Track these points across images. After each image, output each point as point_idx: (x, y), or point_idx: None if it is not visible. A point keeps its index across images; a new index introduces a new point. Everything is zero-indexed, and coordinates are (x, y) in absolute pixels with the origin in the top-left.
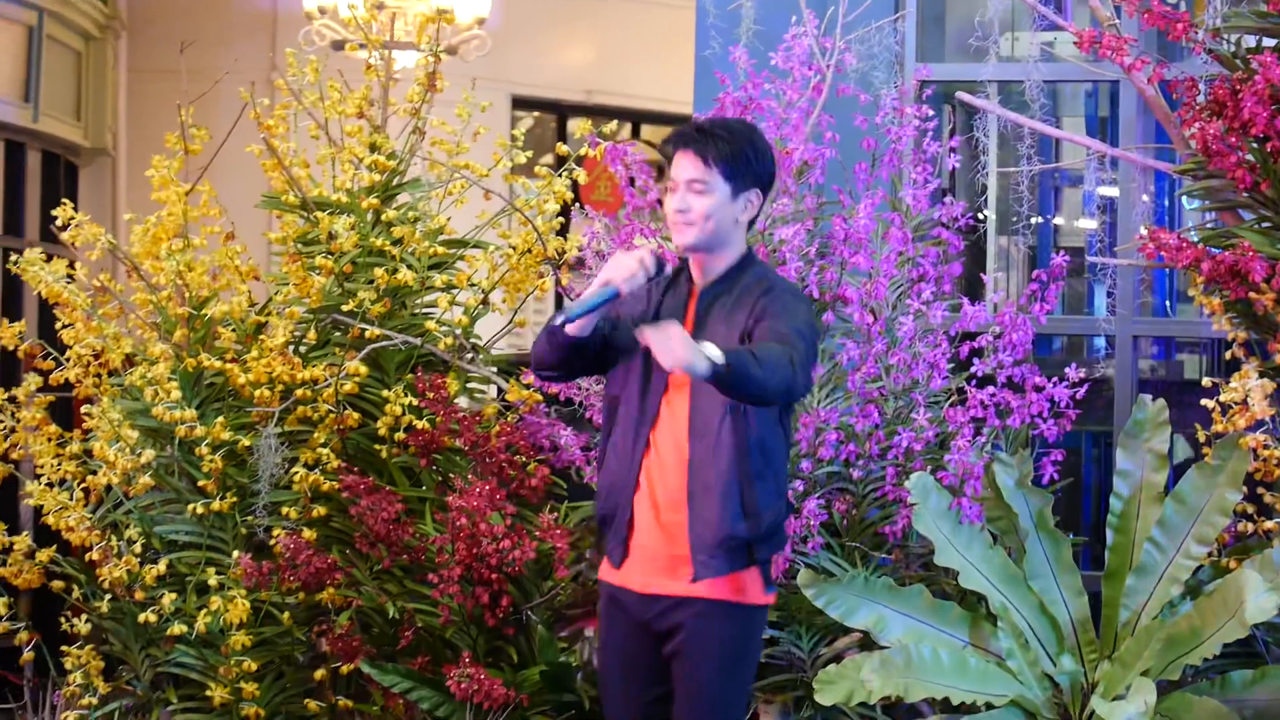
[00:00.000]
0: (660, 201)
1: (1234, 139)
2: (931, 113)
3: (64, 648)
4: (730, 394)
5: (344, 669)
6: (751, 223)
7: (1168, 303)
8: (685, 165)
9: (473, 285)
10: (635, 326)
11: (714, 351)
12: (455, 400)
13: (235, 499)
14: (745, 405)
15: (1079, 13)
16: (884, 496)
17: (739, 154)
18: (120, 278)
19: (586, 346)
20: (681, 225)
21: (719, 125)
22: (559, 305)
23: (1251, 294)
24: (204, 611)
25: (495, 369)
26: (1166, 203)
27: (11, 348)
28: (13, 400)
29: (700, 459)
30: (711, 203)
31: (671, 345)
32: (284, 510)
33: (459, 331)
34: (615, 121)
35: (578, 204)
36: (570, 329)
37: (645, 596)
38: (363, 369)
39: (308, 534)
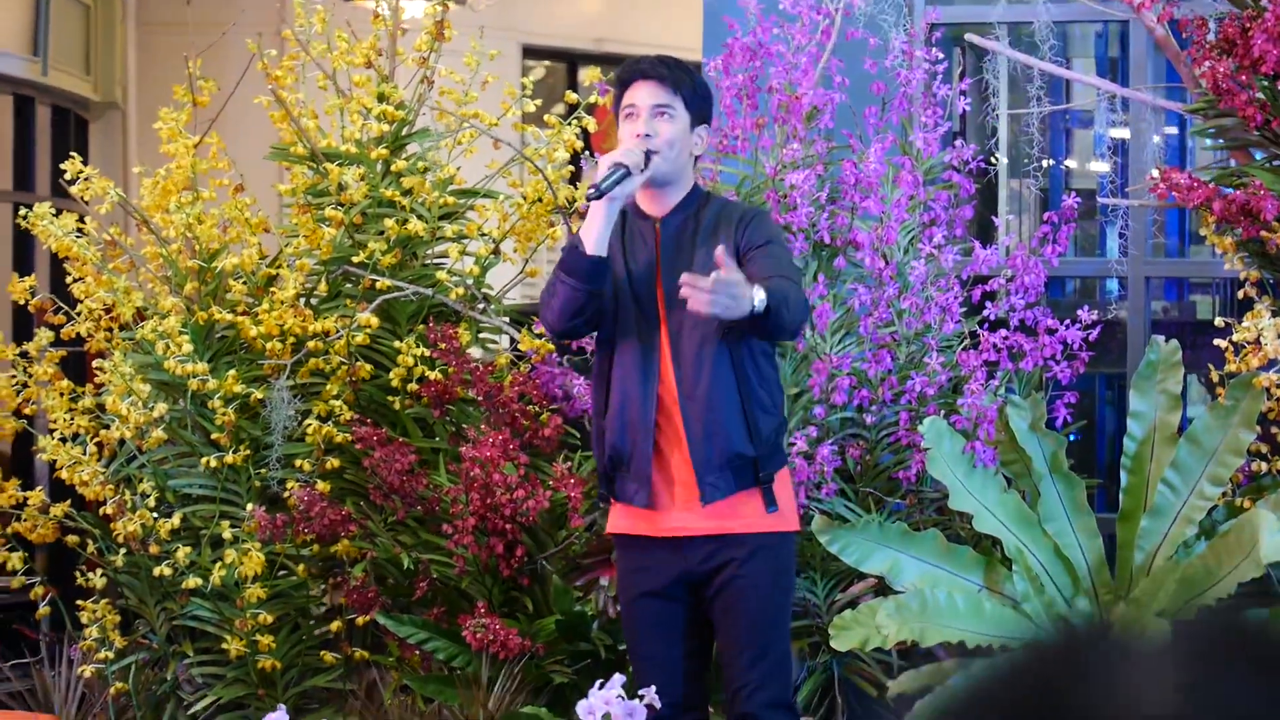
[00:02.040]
0: None
1: (1244, 77)
2: (941, 56)
3: (80, 602)
4: (756, 332)
5: (359, 621)
6: (696, 160)
7: (1184, 243)
8: (650, 91)
9: (483, 235)
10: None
11: (759, 295)
12: (467, 351)
13: (248, 452)
14: (739, 330)
15: None
16: (897, 441)
17: (697, 85)
18: (131, 231)
19: (604, 278)
20: (638, 148)
21: (671, 60)
22: None
23: (1264, 233)
24: (219, 565)
25: (507, 319)
26: (1180, 142)
27: (23, 302)
28: (25, 355)
29: (693, 383)
30: (675, 129)
31: (737, 293)
32: (297, 463)
33: (470, 281)
34: None
35: (588, 152)
36: (589, 239)
37: (676, 540)
38: (374, 320)
39: (321, 486)
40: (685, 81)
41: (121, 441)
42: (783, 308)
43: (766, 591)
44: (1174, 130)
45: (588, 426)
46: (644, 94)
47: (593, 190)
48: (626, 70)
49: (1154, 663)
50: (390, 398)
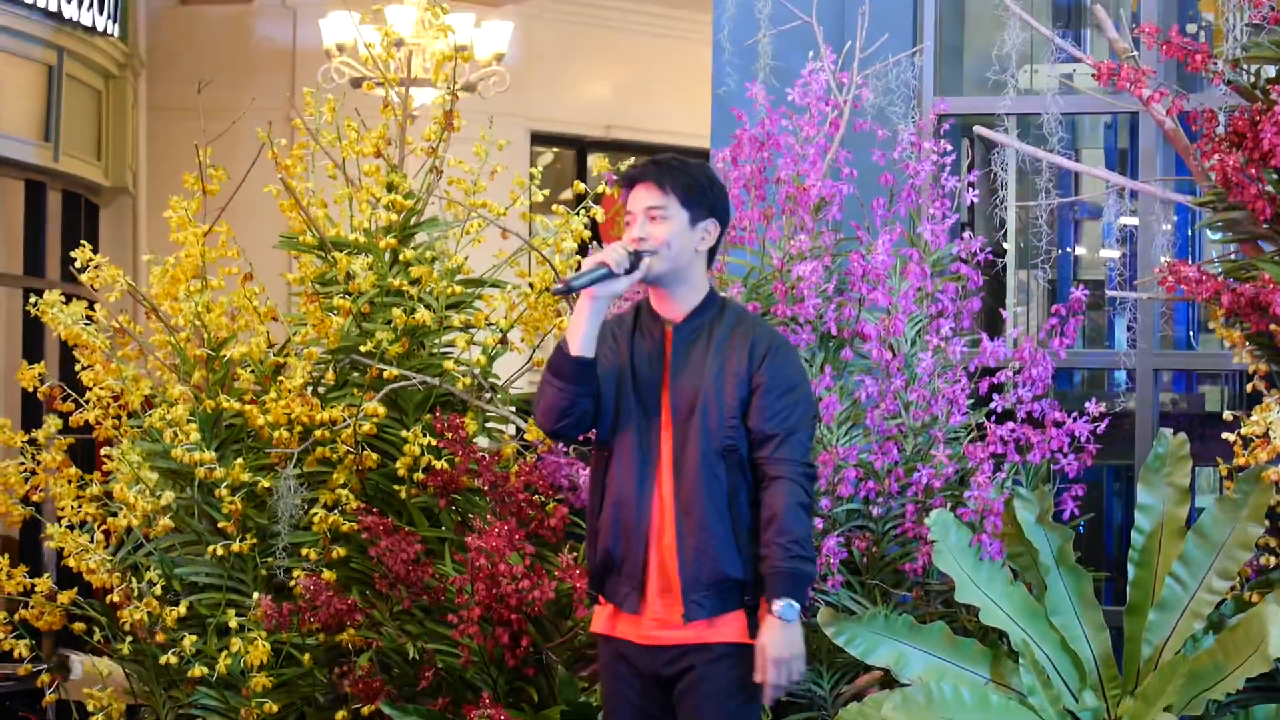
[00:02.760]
0: None
1: (1254, 170)
2: (949, 147)
3: (86, 690)
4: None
5: (365, 710)
6: (711, 256)
7: (1191, 333)
8: (642, 195)
9: (490, 324)
10: (611, 376)
11: (793, 611)
12: (474, 440)
13: (255, 540)
14: (739, 449)
15: (1097, 45)
16: (904, 533)
17: (694, 182)
18: (140, 319)
19: (590, 379)
20: (622, 250)
21: (673, 158)
22: None
23: (1273, 326)
24: (225, 653)
25: (514, 408)
26: (1189, 234)
27: (32, 389)
28: (33, 442)
29: (689, 498)
30: (671, 229)
31: (794, 657)
32: (304, 551)
33: (477, 371)
34: (632, 158)
35: (596, 242)
36: (574, 340)
37: (652, 648)
38: (381, 409)
39: (327, 575)
40: (680, 181)
41: (128, 529)
42: (807, 569)
43: (731, 700)
44: (1179, 222)
45: None
46: (638, 198)
47: (559, 285)
48: (626, 174)
49: None
50: (397, 487)
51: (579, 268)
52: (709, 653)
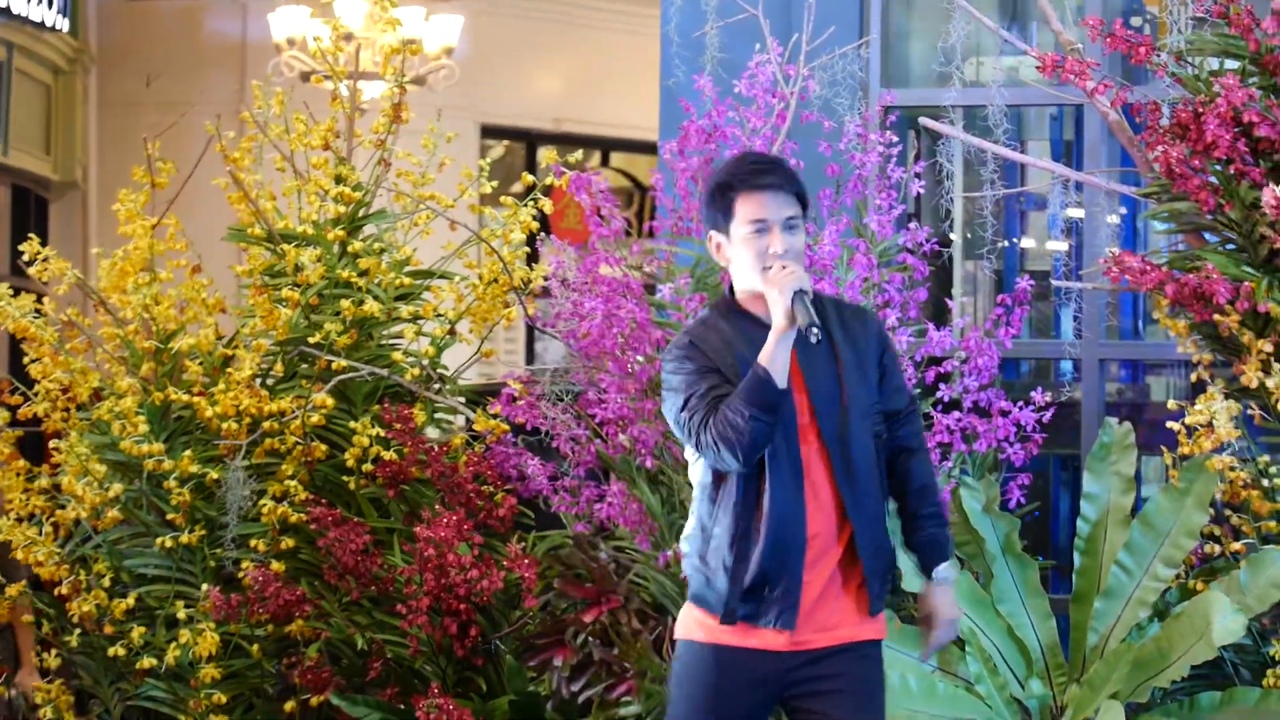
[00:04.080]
0: (629, 231)
1: (1197, 162)
2: (896, 138)
3: (34, 683)
4: None
5: (314, 701)
6: None
7: (1138, 324)
8: (781, 203)
9: (439, 316)
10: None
11: (952, 573)
12: (423, 431)
13: (204, 532)
14: (882, 433)
15: (1042, 37)
16: None
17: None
18: (89, 312)
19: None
20: (787, 268)
21: (784, 164)
22: (529, 335)
23: (1216, 316)
24: (173, 645)
25: (462, 399)
26: (1133, 225)
27: None
28: None
29: (862, 491)
30: (803, 241)
31: (958, 615)
32: (252, 543)
33: (426, 362)
34: (581, 151)
35: (544, 233)
36: (779, 372)
37: (793, 652)
38: (330, 401)
39: (276, 566)
40: (800, 187)
41: (77, 521)
42: (948, 528)
43: (880, 703)
44: (1127, 213)
45: (542, 506)
46: (776, 208)
47: (817, 330)
48: (744, 177)
49: None
50: (345, 478)
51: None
52: (856, 652)
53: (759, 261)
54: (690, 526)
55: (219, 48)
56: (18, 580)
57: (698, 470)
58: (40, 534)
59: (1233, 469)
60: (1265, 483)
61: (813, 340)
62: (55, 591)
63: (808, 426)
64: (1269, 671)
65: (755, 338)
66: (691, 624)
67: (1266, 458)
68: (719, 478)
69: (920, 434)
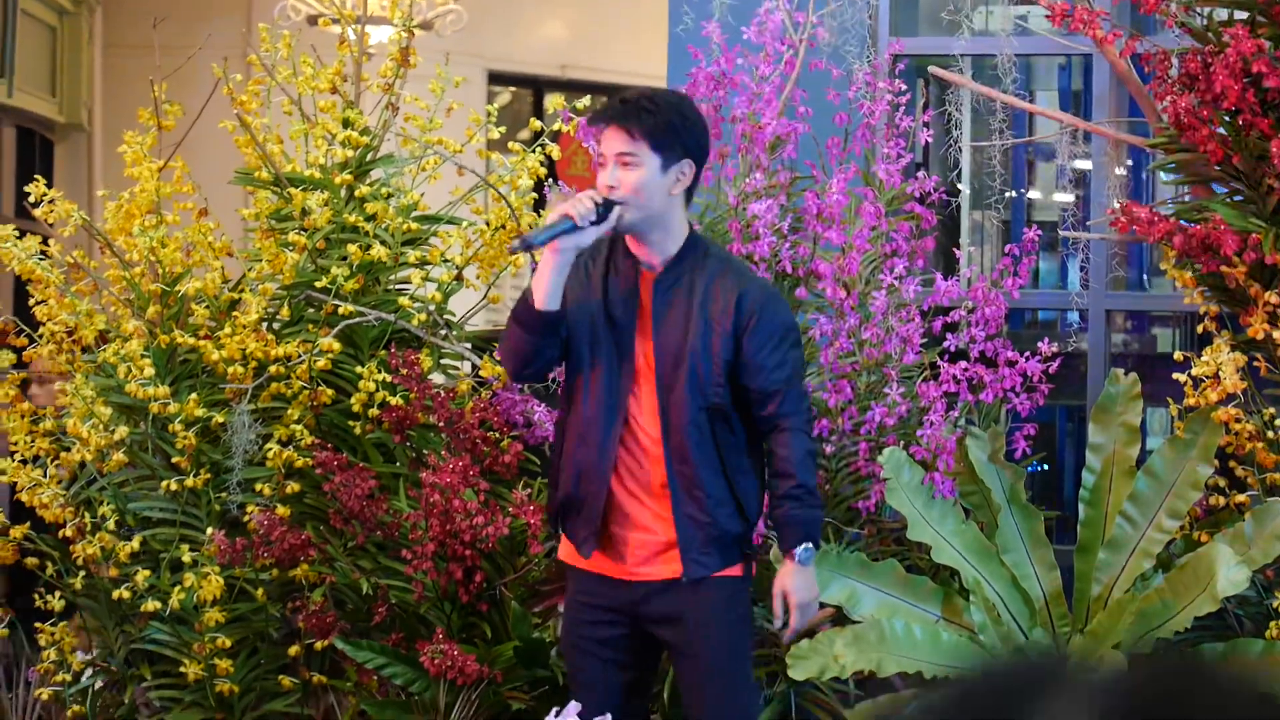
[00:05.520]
0: None
1: (1206, 112)
2: (904, 87)
3: (38, 624)
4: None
5: (318, 645)
6: (689, 195)
7: (1145, 276)
8: (613, 139)
9: (446, 261)
10: (584, 313)
11: (810, 554)
12: (429, 376)
13: (209, 476)
14: (725, 407)
15: None
16: (856, 471)
17: (666, 125)
18: (94, 254)
19: (556, 331)
20: (587, 202)
21: (644, 97)
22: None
23: (1223, 268)
24: (178, 588)
25: (469, 345)
26: (1141, 176)
27: None
28: None
29: (681, 453)
30: (641, 176)
31: (814, 599)
32: (258, 487)
33: (433, 308)
34: (589, 97)
35: (552, 179)
36: (540, 294)
37: (632, 583)
38: (336, 345)
39: (281, 510)
40: (648, 123)
41: (82, 464)
42: (817, 510)
43: (735, 639)
44: (1133, 164)
45: (548, 453)
46: (610, 142)
47: (517, 242)
48: (596, 114)
49: (1108, 694)
50: (351, 423)
51: (538, 210)
52: (693, 589)
53: (582, 192)
54: None
55: None
56: None
57: None
58: (45, 476)
59: (1238, 421)
60: (1271, 434)
61: (512, 249)
62: (59, 534)
63: (644, 371)
64: (1272, 623)
65: (617, 264)
66: (563, 546)
67: (1272, 410)
68: (565, 392)
69: (794, 414)
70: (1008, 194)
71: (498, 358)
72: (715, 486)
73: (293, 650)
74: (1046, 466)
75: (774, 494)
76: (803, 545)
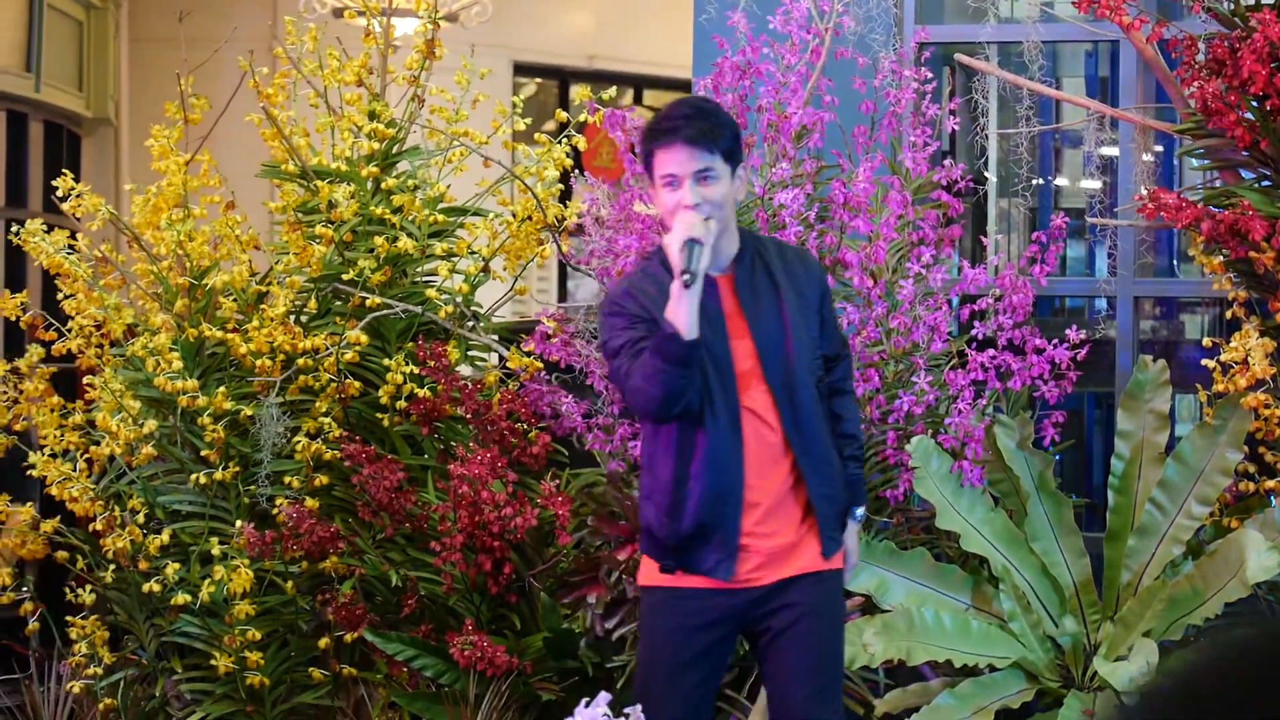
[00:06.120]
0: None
1: (1233, 98)
2: (930, 75)
3: (69, 618)
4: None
5: (348, 637)
6: None
7: (1174, 262)
8: (687, 158)
9: (473, 253)
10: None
11: (865, 514)
12: (456, 368)
13: (238, 468)
14: (822, 385)
15: None
16: (885, 460)
17: (734, 136)
18: (122, 248)
19: (700, 358)
20: (684, 220)
21: (701, 111)
22: (562, 272)
23: (1252, 253)
24: (207, 581)
25: (496, 336)
26: (1169, 162)
27: (14, 319)
28: (16, 372)
29: (807, 434)
30: (722, 189)
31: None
32: (286, 479)
33: (459, 299)
34: (615, 88)
35: (578, 171)
36: (684, 325)
37: (749, 588)
38: (363, 338)
39: (310, 503)
40: (719, 134)
41: (111, 458)
42: (862, 472)
43: (839, 628)
44: (1163, 149)
45: (575, 444)
46: (682, 162)
47: (688, 276)
48: (657, 131)
49: None
50: (379, 415)
51: (564, 201)
52: (811, 580)
53: (671, 215)
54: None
55: None
56: None
57: None
58: (74, 470)
59: (1267, 406)
60: None
61: (684, 287)
62: (89, 528)
63: (750, 373)
64: None
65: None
66: (647, 569)
67: None
68: (658, 426)
69: (850, 377)
70: (1035, 181)
71: (631, 406)
72: (832, 457)
73: (322, 642)
74: (1071, 453)
75: (840, 454)
76: (862, 506)
